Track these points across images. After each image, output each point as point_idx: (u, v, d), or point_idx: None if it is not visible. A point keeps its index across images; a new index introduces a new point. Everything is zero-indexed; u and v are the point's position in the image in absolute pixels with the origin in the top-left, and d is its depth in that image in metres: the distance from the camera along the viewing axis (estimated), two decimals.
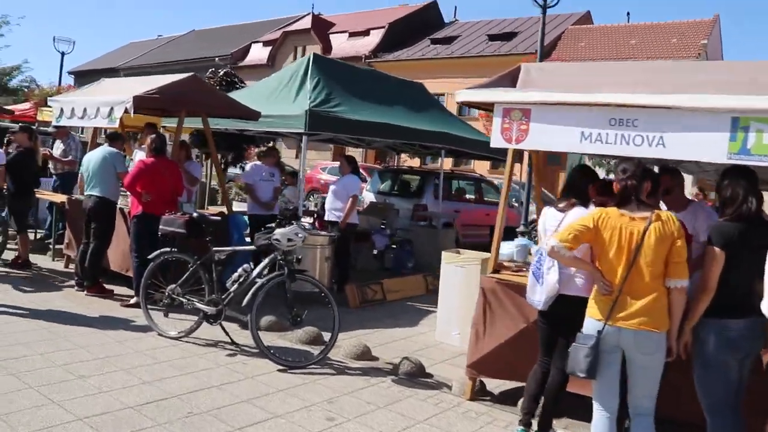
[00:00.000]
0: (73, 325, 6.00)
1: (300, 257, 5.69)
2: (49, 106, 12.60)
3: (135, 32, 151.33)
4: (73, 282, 7.65)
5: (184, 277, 5.84)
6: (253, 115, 8.05)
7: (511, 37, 34.21)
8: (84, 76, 45.56)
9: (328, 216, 8.78)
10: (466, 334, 6.59)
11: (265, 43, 39.51)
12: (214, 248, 5.85)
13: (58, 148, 10.29)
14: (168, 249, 5.98)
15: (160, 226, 5.99)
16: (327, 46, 37.08)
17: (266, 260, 5.64)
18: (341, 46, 36.96)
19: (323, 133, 8.85)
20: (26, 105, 16.37)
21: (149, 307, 6.10)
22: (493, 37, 34.55)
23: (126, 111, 6.92)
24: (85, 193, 7.27)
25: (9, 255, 8.40)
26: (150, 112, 8.38)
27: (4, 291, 7.04)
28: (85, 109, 7.54)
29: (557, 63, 8.75)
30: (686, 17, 40.00)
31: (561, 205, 4.29)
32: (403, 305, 8.37)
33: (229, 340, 5.86)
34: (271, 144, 12.44)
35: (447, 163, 31.55)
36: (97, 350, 5.37)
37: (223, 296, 5.69)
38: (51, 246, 9.27)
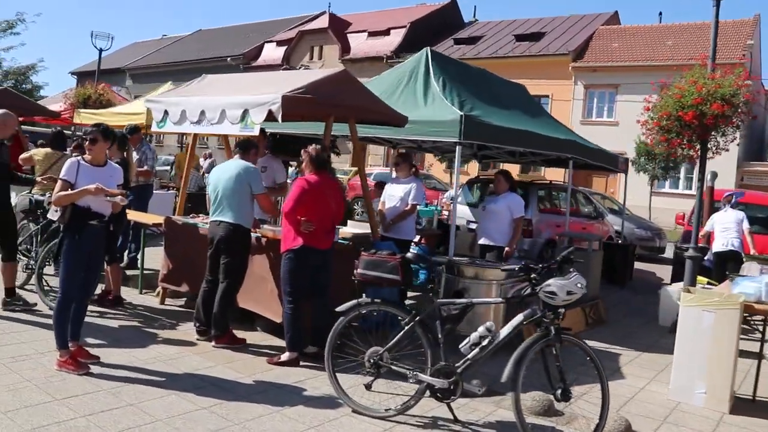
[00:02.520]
0: (236, 401, 4.48)
1: (563, 314, 4.19)
2: (148, 109, 11.07)
3: (136, 33, 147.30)
4: (182, 326, 6.19)
5: (397, 338, 4.34)
6: (401, 121, 6.57)
7: (539, 37, 32.96)
8: (87, 77, 43.69)
9: (484, 240, 7.36)
10: (717, 393, 5.22)
11: (279, 43, 37.97)
12: (440, 300, 4.36)
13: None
14: (368, 299, 4.48)
15: (360, 271, 4.47)
16: (345, 46, 35.64)
17: (520, 317, 4.17)
18: (360, 46, 35.51)
19: (474, 142, 7.36)
20: (60, 105, 14.76)
21: (335, 369, 4.60)
22: (520, 38, 33.29)
23: (269, 115, 5.43)
24: (211, 219, 5.73)
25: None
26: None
27: (115, 343, 5.51)
28: (202, 113, 6.01)
29: None
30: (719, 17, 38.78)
31: None
32: None
33: (453, 418, 4.39)
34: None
35: (473, 168, 30.22)
36: None
37: (457, 364, 4.21)
38: (136, 274, 7.73)
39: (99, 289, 6.84)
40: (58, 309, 4.73)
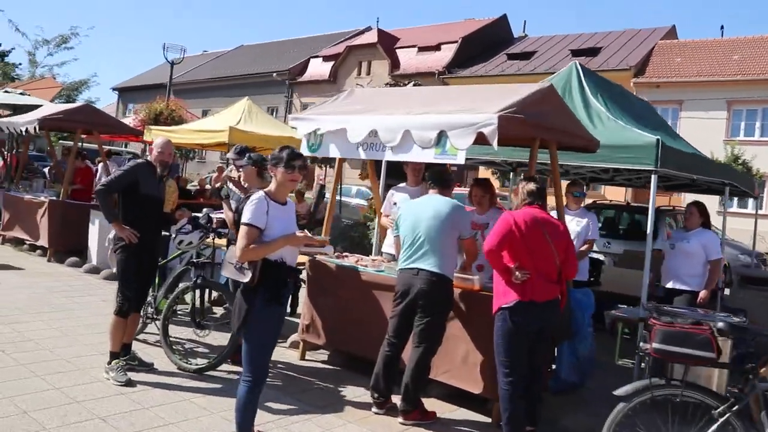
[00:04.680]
0: None
1: None
2: (231, 127, 10.20)
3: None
4: (345, 391, 5.14)
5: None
6: (595, 146, 5.50)
7: (595, 53, 31.80)
8: (129, 93, 43.42)
9: (672, 283, 6.26)
10: None
11: (326, 58, 37.22)
12: (765, 384, 3.24)
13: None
14: (661, 381, 3.37)
15: (658, 346, 3.36)
16: (395, 61, 34.78)
17: None
18: (410, 61, 34.62)
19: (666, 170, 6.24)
20: (129, 121, 13.93)
21: None
22: (576, 53, 32.09)
23: (481, 138, 4.37)
24: (405, 266, 4.64)
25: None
26: None
27: (281, 420, 4.44)
28: (374, 133, 4.96)
29: None
30: None
31: None
32: None
33: None
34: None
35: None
36: None
37: None
38: None
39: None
40: (247, 397, 3.63)
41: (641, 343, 3.49)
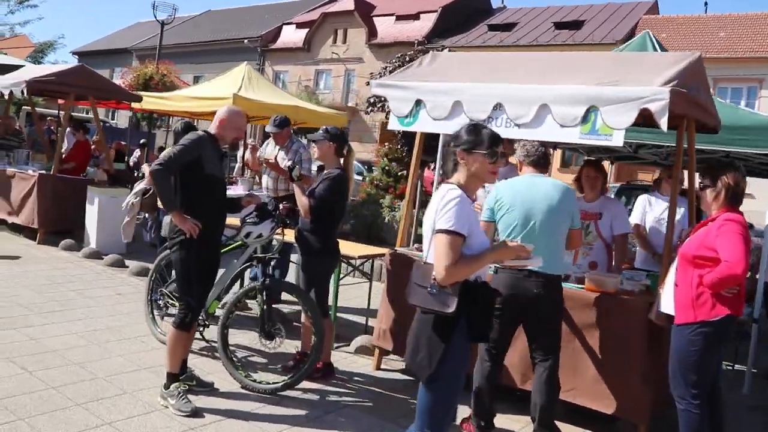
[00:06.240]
0: None
1: None
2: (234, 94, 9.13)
3: (139, 12, 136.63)
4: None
5: None
6: (719, 126, 4.76)
7: (579, 26, 31.27)
8: (89, 57, 41.08)
9: None
10: None
11: (299, 25, 35.78)
12: None
13: (273, 157, 6.74)
14: None
15: None
16: (372, 30, 33.61)
17: None
18: (388, 30, 33.49)
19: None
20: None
21: None
22: (559, 25, 31.53)
23: (650, 118, 3.59)
24: (509, 263, 3.80)
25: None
26: None
27: None
28: (498, 107, 4.12)
29: None
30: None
31: None
32: None
33: None
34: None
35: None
36: None
37: None
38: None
39: (293, 348, 5.02)
40: None
41: None
